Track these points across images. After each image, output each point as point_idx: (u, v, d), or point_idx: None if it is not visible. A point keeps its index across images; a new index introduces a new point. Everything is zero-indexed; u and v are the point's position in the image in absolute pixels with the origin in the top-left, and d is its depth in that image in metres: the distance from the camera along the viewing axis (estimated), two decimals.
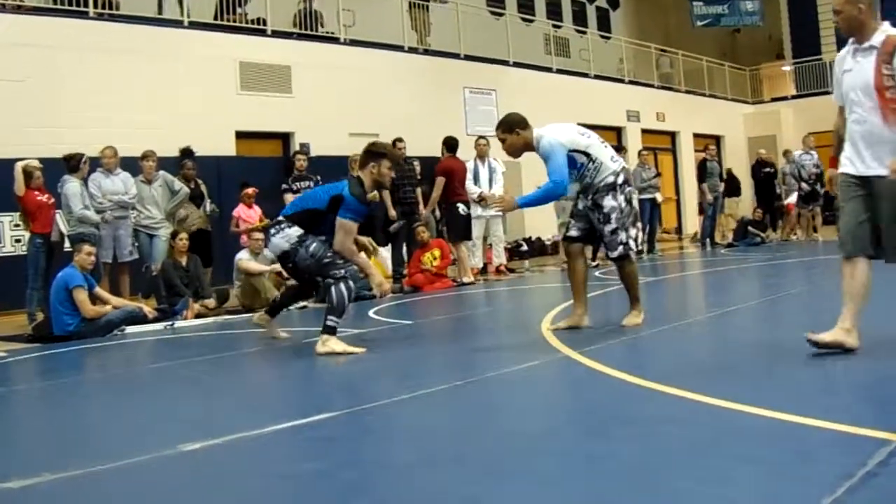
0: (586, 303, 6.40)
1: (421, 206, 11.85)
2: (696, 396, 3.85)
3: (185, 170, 11.10)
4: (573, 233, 6.36)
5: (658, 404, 3.90)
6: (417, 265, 11.15)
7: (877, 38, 4.55)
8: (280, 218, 6.42)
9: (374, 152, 6.36)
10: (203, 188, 11.34)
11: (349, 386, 5.28)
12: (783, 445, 3.10)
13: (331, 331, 6.05)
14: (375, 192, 7.46)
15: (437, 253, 11.43)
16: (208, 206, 11.32)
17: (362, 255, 6.53)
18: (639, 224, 6.34)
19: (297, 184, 11.77)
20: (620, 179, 6.09)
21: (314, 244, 6.17)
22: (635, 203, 6.28)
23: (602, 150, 6.15)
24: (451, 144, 12.78)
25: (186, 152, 11.45)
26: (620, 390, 4.27)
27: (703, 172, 16.81)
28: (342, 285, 6.06)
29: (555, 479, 2.94)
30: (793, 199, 17.16)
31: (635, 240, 6.18)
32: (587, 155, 6.07)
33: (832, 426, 3.22)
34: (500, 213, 11.87)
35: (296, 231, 6.21)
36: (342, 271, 6.10)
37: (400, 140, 12.69)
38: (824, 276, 10.77)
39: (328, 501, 2.91)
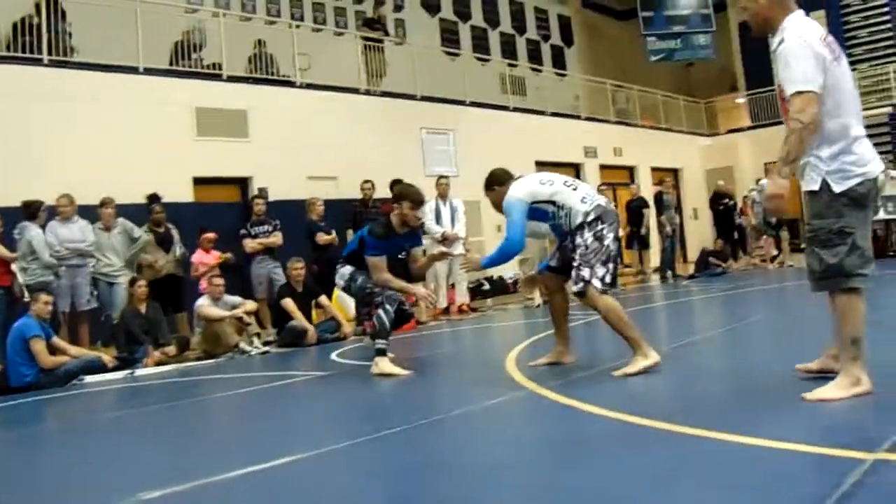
0: (568, 337, 6.39)
1: None
2: (665, 425, 3.83)
3: (154, 214, 11.00)
4: (552, 262, 6.33)
5: (627, 435, 3.87)
6: None
7: (779, 36, 3.94)
8: (341, 259, 7.34)
9: (395, 195, 7.21)
10: (174, 232, 11.20)
11: (312, 428, 5.20)
12: (757, 469, 3.08)
13: (381, 353, 6.74)
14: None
15: None
16: (178, 250, 11.15)
17: (397, 281, 7.09)
18: (610, 265, 5.91)
19: (256, 228, 11.70)
20: (590, 218, 5.86)
21: (360, 279, 7.05)
22: (609, 242, 5.90)
23: (569, 195, 5.94)
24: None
25: (153, 198, 11.36)
26: (588, 422, 4.24)
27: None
28: (380, 310, 6.78)
29: None
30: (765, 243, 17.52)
31: (601, 278, 5.85)
32: (553, 203, 5.94)
33: (807, 448, 3.22)
34: (463, 252, 11.82)
35: (347, 269, 7.15)
36: (380, 298, 6.81)
37: (367, 182, 12.76)
38: (785, 302, 10.87)
39: None
